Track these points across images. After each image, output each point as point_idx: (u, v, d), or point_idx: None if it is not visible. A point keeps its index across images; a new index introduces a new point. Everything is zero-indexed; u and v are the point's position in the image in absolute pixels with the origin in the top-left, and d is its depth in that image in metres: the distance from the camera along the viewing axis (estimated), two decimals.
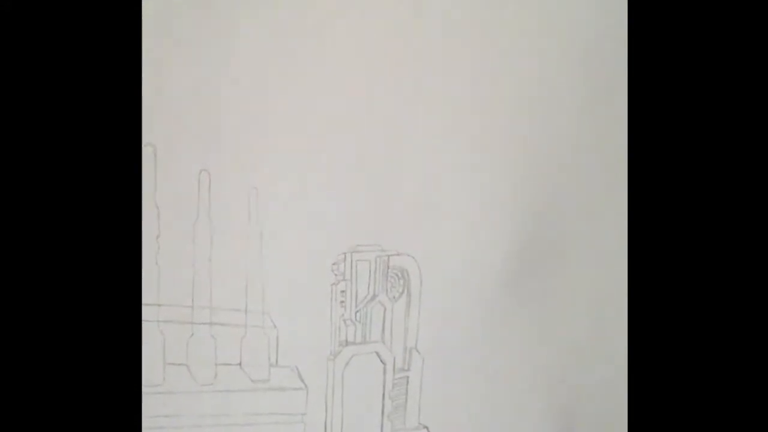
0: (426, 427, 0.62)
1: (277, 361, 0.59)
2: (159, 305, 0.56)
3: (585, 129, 0.60)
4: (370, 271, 0.60)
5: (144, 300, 0.56)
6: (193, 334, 0.57)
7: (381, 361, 0.60)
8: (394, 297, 0.60)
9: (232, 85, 0.55)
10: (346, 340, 0.60)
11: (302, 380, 0.59)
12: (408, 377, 0.61)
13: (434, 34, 0.57)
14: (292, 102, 0.56)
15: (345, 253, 0.59)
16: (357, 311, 0.60)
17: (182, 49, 0.54)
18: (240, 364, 0.58)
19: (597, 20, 0.59)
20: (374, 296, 0.60)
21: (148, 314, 0.56)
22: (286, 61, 0.55)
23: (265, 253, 0.57)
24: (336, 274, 0.59)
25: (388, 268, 0.60)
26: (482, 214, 0.60)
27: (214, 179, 0.56)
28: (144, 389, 0.56)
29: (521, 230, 0.61)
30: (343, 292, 0.59)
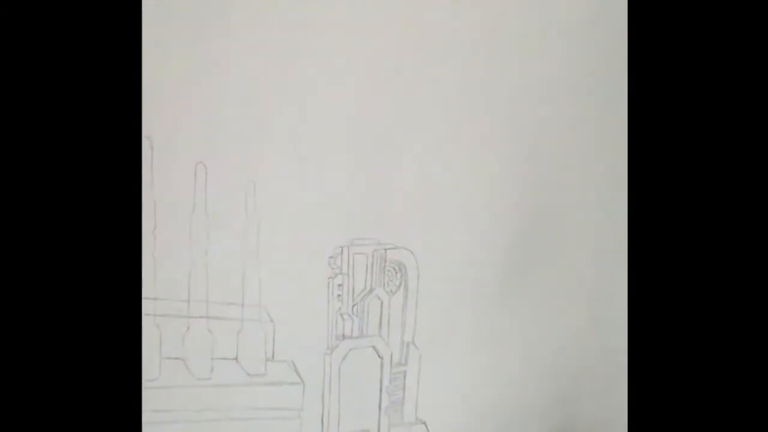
0: (423, 422, 0.62)
1: (273, 356, 0.59)
2: (155, 299, 0.56)
3: (585, 126, 0.60)
4: (367, 265, 0.60)
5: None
6: (189, 328, 0.57)
7: (378, 355, 0.60)
8: (391, 291, 0.60)
9: (229, 78, 0.55)
10: (343, 335, 0.59)
11: (299, 375, 0.59)
12: (405, 372, 0.61)
13: (435, 31, 0.57)
14: (290, 95, 0.56)
15: (342, 247, 0.59)
16: (354, 305, 0.60)
17: (179, 42, 0.53)
18: (236, 358, 0.58)
19: (597, 20, 0.59)
20: (371, 290, 0.60)
21: (145, 308, 0.56)
22: (284, 55, 0.55)
23: (261, 247, 0.57)
24: (333, 268, 0.59)
25: (386, 261, 0.60)
26: (481, 208, 0.60)
27: (210, 172, 0.56)
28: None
29: (520, 224, 0.61)
30: (340, 285, 0.59)
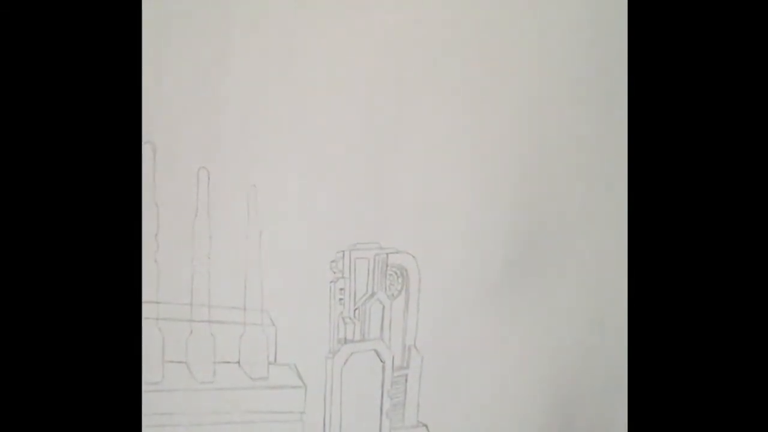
0: (425, 425, 0.62)
1: (275, 359, 0.59)
2: (158, 303, 0.56)
3: (585, 128, 0.61)
4: (368, 269, 0.60)
5: (143, 298, 0.55)
6: (192, 332, 0.57)
7: (380, 359, 0.60)
8: (392, 295, 0.60)
9: (231, 82, 0.55)
10: (345, 338, 0.60)
11: (301, 378, 0.59)
12: (407, 375, 0.61)
13: (434, 33, 0.57)
14: (291, 100, 0.56)
15: (344, 251, 0.59)
16: (356, 309, 0.60)
17: (181, 46, 0.54)
18: (239, 362, 0.58)
19: (597, 20, 0.59)
20: (373, 294, 0.60)
21: (147, 312, 0.56)
22: (286, 59, 0.55)
23: (263, 251, 0.57)
24: (335, 272, 0.59)
25: (387, 266, 0.60)
26: (481, 212, 0.60)
27: (213, 177, 0.56)
28: (143, 387, 0.56)
29: (521, 228, 0.61)
30: (341, 289, 0.59)
